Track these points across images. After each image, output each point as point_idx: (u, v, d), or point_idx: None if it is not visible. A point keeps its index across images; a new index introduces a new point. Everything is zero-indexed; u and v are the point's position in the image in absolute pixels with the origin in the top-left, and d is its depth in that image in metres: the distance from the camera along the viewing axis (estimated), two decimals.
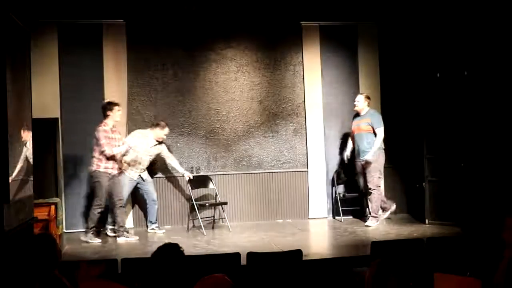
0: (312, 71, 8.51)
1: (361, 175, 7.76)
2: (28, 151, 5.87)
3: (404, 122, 8.51)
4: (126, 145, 7.10)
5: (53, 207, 7.22)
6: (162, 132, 7.50)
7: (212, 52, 8.32)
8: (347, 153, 7.96)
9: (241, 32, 8.40)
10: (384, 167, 8.57)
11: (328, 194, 8.40)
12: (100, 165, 6.86)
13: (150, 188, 7.57)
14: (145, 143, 7.42)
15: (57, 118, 7.71)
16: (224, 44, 8.35)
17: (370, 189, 7.57)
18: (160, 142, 7.56)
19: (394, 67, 8.60)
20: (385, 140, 8.63)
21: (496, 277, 3.43)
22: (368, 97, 7.75)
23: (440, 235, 6.56)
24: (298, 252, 4.65)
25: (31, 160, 6.09)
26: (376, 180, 7.61)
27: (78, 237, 7.27)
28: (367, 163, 7.53)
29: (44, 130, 7.47)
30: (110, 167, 6.90)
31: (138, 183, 7.50)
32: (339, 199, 8.12)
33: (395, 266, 2.63)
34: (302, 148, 8.44)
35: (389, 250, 4.84)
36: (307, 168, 8.39)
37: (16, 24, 5.52)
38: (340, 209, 8.11)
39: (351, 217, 8.33)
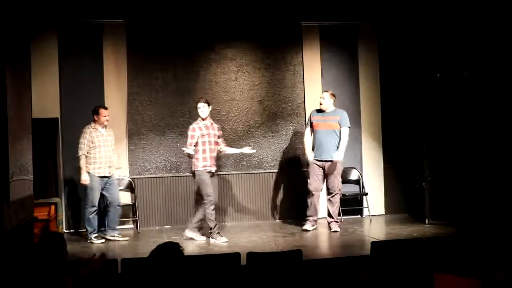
0: (312, 71, 8.52)
1: (317, 176, 7.32)
2: (28, 151, 5.87)
3: (404, 122, 8.51)
4: (190, 149, 6.84)
5: (53, 207, 7.25)
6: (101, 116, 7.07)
7: (212, 52, 8.32)
8: (311, 150, 7.44)
9: (241, 32, 8.40)
10: (384, 167, 8.62)
11: None
12: (198, 164, 6.81)
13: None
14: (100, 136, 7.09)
15: (57, 118, 7.71)
16: (224, 44, 8.34)
17: (333, 192, 7.28)
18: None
19: (394, 67, 8.60)
20: (385, 140, 8.67)
21: (499, 276, 3.43)
22: (333, 95, 7.44)
23: (440, 235, 6.56)
24: (298, 252, 4.64)
25: (31, 160, 6.09)
26: (340, 183, 7.38)
27: (78, 237, 7.29)
28: (334, 165, 7.21)
29: (44, 130, 7.47)
30: (209, 165, 6.83)
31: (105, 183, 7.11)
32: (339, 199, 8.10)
33: (391, 265, 2.64)
34: (302, 148, 8.42)
35: (389, 250, 4.84)
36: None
37: (16, 24, 5.53)
38: (340, 209, 8.09)
39: (351, 217, 8.34)
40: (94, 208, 6.97)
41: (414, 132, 8.14)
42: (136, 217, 7.82)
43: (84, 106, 7.79)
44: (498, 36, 7.07)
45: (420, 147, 7.82)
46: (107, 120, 7.14)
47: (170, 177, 8.09)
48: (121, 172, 7.63)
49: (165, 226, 7.94)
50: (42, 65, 7.57)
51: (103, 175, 7.01)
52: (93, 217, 6.96)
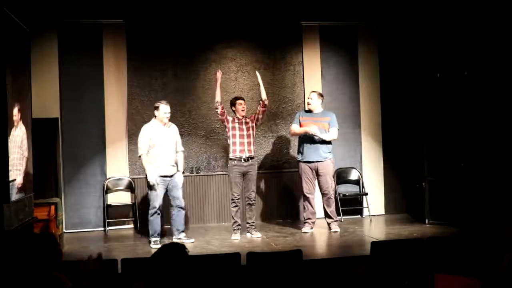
0: (312, 71, 8.52)
1: (309, 178, 7.24)
2: (28, 150, 5.87)
3: (404, 122, 8.52)
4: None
5: (53, 207, 7.23)
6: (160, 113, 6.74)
7: (212, 52, 8.32)
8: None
9: (241, 32, 8.40)
10: (384, 167, 8.62)
11: None
12: (229, 156, 7.05)
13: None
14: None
15: (57, 118, 7.71)
16: (224, 44, 8.35)
17: (327, 194, 7.22)
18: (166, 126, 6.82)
19: (394, 67, 8.60)
20: (385, 140, 8.67)
21: (499, 276, 3.43)
22: (321, 95, 7.42)
23: (440, 235, 6.56)
24: (298, 252, 4.64)
25: (31, 160, 6.09)
26: (333, 183, 7.39)
27: (78, 237, 7.28)
28: (325, 166, 7.16)
29: (44, 130, 7.47)
30: (238, 150, 6.99)
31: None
32: (339, 199, 8.11)
33: (388, 264, 2.63)
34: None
35: (389, 250, 4.84)
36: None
37: (16, 24, 5.53)
38: (340, 209, 8.10)
39: (351, 217, 8.33)
40: (154, 210, 6.60)
41: (414, 132, 8.15)
42: (136, 217, 7.82)
43: (84, 106, 7.83)
44: (498, 36, 7.07)
45: (420, 147, 7.82)
46: (167, 117, 6.75)
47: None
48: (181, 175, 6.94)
49: (165, 226, 7.93)
50: (42, 65, 7.57)
51: (164, 174, 6.66)
52: (153, 219, 6.60)
